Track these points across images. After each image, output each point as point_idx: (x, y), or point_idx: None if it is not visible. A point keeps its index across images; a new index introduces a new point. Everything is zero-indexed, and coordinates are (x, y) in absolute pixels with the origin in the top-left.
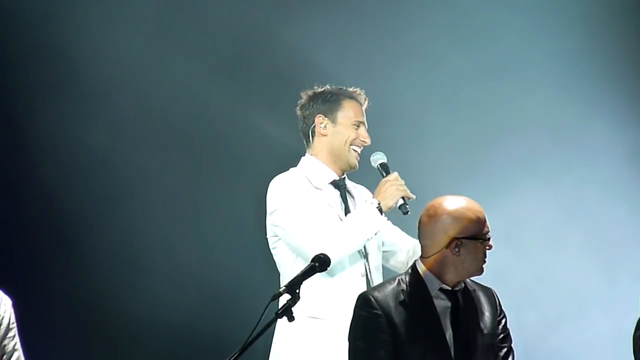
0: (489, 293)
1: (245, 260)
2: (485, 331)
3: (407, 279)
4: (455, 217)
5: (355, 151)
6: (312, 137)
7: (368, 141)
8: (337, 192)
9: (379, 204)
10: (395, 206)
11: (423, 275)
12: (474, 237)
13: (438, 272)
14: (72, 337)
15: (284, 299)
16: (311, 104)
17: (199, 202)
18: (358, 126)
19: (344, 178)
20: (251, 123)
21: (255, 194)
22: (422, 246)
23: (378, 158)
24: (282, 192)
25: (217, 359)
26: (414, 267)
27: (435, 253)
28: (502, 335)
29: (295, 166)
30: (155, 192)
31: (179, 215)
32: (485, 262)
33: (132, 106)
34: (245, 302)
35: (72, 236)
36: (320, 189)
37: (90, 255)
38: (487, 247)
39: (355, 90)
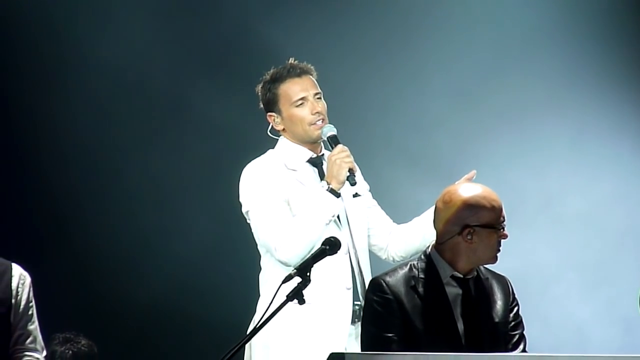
0: (503, 281)
1: (229, 240)
2: (496, 319)
3: (419, 264)
4: (470, 204)
5: (316, 125)
6: (277, 135)
7: (319, 109)
8: (315, 169)
9: (328, 185)
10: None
11: (435, 262)
12: (487, 225)
13: (451, 259)
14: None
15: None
16: (260, 104)
17: (182, 183)
18: (303, 103)
19: (322, 155)
20: (238, 108)
21: (236, 174)
22: (436, 232)
23: (327, 131)
24: (251, 183)
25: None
26: (426, 253)
27: (448, 239)
28: (513, 323)
29: (273, 147)
30: (140, 173)
31: (165, 196)
32: (499, 250)
33: (114, 86)
34: (230, 283)
35: (64, 221)
36: (295, 170)
37: (81, 238)
38: (502, 237)
39: (286, 66)
